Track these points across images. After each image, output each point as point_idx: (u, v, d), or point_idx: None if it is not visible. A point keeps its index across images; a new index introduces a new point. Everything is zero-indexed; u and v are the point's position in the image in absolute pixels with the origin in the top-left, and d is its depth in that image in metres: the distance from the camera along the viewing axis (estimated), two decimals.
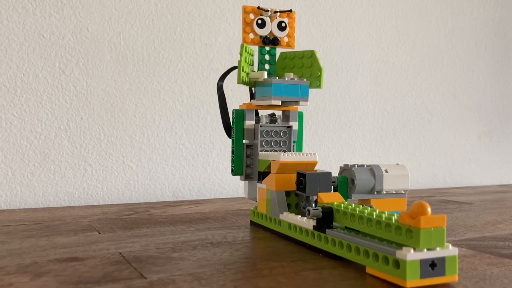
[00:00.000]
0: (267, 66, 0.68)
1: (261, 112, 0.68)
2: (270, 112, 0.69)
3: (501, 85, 1.38)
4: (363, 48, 1.17)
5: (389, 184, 0.55)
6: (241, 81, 0.63)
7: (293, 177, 0.59)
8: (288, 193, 0.62)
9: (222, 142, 1.00)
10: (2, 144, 0.84)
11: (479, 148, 1.35)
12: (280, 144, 0.67)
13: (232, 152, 0.66)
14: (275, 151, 0.66)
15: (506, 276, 0.45)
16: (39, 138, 0.86)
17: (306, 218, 0.53)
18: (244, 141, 0.66)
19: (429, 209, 0.40)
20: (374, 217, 0.44)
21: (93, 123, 0.90)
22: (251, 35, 0.66)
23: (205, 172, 0.99)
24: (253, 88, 0.68)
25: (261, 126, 0.65)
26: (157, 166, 0.95)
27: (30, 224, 0.67)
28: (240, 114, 0.66)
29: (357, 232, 0.49)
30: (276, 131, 0.66)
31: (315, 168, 0.60)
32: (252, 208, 0.67)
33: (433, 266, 0.40)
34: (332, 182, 0.57)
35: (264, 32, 0.67)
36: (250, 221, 0.68)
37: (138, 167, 0.94)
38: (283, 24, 0.67)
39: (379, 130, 1.20)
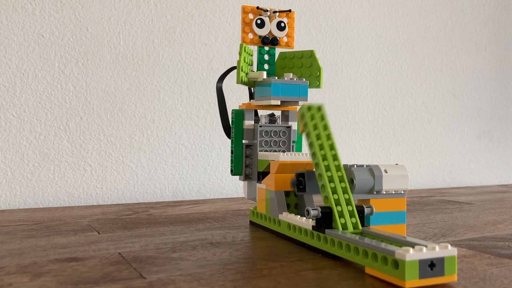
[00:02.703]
0: (266, 66, 0.68)
1: (261, 112, 0.68)
2: (270, 112, 0.69)
3: (501, 85, 1.38)
4: (363, 48, 1.17)
5: (388, 184, 0.55)
6: (240, 81, 0.63)
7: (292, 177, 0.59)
8: (287, 193, 0.62)
9: (222, 142, 1.00)
10: (1, 144, 0.84)
11: (479, 148, 1.35)
12: (279, 144, 0.67)
13: (232, 152, 0.66)
14: (275, 151, 0.66)
15: (506, 276, 0.45)
16: (39, 138, 0.86)
17: (305, 218, 0.53)
18: (243, 141, 0.66)
19: None
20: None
21: (92, 123, 0.90)
22: (250, 35, 0.66)
23: (204, 172, 0.99)
24: (252, 88, 0.68)
25: (260, 126, 0.65)
26: (157, 166, 0.95)
27: (30, 224, 0.67)
28: (239, 114, 0.66)
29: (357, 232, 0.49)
30: (275, 131, 0.66)
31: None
32: (252, 208, 0.67)
33: (432, 266, 0.40)
34: None
35: (263, 32, 0.67)
36: (250, 221, 0.68)
37: (138, 167, 0.94)
38: (282, 24, 0.67)
39: (379, 130, 1.20)
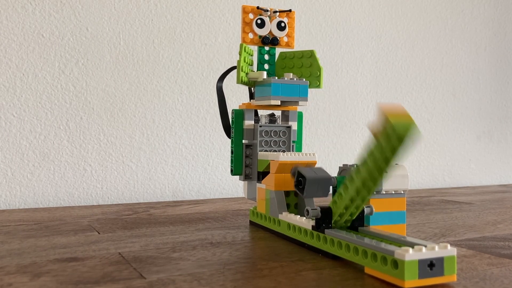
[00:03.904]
0: (266, 66, 0.68)
1: (261, 112, 0.68)
2: (270, 112, 0.69)
3: (501, 85, 1.38)
4: (363, 48, 1.17)
5: (388, 184, 0.55)
6: (240, 81, 0.63)
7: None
8: (287, 193, 0.62)
9: (222, 142, 1.00)
10: (1, 144, 0.84)
11: (479, 148, 1.35)
12: (279, 144, 0.67)
13: (232, 152, 0.66)
14: (275, 151, 0.66)
15: (506, 276, 0.45)
16: (39, 138, 0.86)
17: (305, 218, 0.53)
18: (243, 141, 0.66)
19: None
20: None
21: (92, 123, 0.90)
22: (251, 35, 0.66)
23: (205, 172, 0.99)
24: (252, 88, 0.68)
25: (260, 126, 0.65)
26: (157, 166, 0.95)
27: (30, 224, 0.67)
28: (239, 114, 0.66)
29: (356, 232, 0.49)
30: (275, 131, 0.66)
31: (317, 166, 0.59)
32: (252, 208, 0.67)
33: (431, 266, 0.40)
34: None
35: (263, 32, 0.67)
36: (250, 221, 0.68)
37: (138, 167, 0.94)
38: (283, 24, 0.67)
39: None
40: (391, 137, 0.38)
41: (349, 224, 0.50)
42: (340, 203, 0.48)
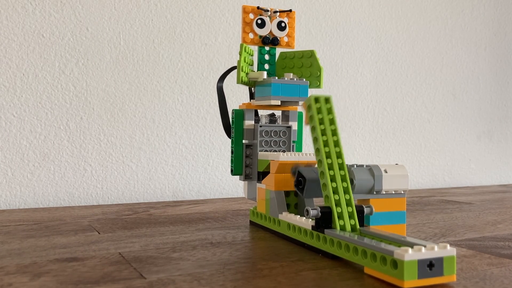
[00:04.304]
0: (266, 66, 0.68)
1: (261, 112, 0.68)
2: (270, 112, 0.69)
3: (501, 85, 1.38)
4: (363, 48, 1.17)
5: (388, 184, 0.55)
6: (240, 81, 0.63)
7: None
8: (287, 193, 0.62)
9: (222, 142, 1.00)
10: (1, 144, 0.84)
11: (479, 148, 1.35)
12: (279, 144, 0.67)
13: (232, 152, 0.66)
14: (275, 151, 0.66)
15: (506, 276, 0.45)
16: (39, 138, 0.86)
17: (305, 218, 0.53)
18: (243, 141, 0.66)
19: None
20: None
21: (93, 123, 0.90)
22: (251, 35, 0.66)
23: (205, 172, 0.99)
24: (252, 88, 0.68)
25: (260, 126, 0.65)
26: (157, 166, 0.95)
27: (30, 224, 0.67)
28: (239, 114, 0.66)
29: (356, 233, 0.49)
30: (275, 131, 0.66)
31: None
32: (252, 208, 0.67)
33: (431, 266, 0.40)
34: None
35: (263, 32, 0.67)
36: (250, 221, 0.68)
37: (138, 167, 0.94)
38: (283, 24, 0.67)
39: (379, 130, 1.20)
40: (312, 109, 0.49)
41: (358, 230, 0.50)
42: (329, 196, 0.49)
